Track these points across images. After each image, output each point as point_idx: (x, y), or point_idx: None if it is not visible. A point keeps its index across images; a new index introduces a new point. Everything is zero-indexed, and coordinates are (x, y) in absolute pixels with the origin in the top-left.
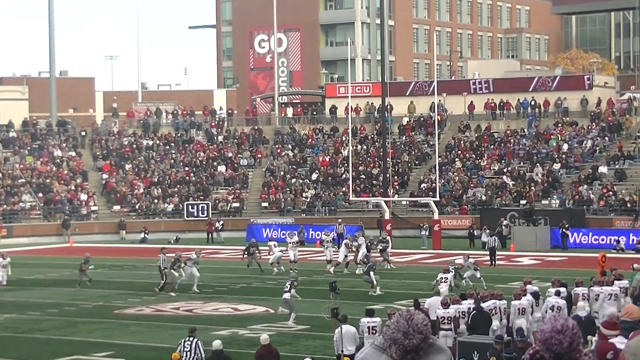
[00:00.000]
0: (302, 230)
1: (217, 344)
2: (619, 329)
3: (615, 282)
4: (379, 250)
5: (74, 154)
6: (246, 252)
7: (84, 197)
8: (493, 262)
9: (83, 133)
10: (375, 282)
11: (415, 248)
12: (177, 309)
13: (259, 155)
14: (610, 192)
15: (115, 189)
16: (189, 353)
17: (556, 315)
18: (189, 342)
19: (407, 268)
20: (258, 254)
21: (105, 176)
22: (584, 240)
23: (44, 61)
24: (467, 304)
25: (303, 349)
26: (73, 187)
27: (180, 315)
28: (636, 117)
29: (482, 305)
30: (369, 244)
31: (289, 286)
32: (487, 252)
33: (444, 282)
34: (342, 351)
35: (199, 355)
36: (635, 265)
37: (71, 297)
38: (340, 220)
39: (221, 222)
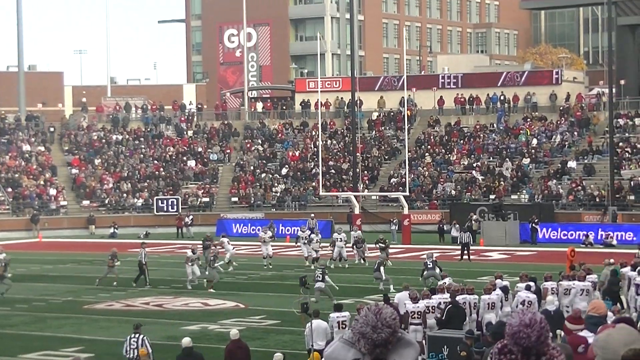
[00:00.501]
0: (272, 225)
1: (186, 341)
2: (583, 323)
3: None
4: (378, 248)
5: (43, 148)
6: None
7: (53, 192)
8: (466, 257)
9: (52, 128)
10: (384, 277)
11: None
12: (147, 303)
13: (229, 150)
14: (579, 187)
15: (85, 184)
16: (135, 350)
17: (524, 310)
18: (135, 339)
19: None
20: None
21: (74, 171)
22: (553, 235)
23: (13, 55)
24: (438, 299)
25: (273, 344)
26: (42, 182)
27: (150, 310)
28: (604, 112)
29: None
30: (357, 239)
31: (320, 275)
32: (459, 247)
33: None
34: (313, 346)
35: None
36: (606, 260)
37: (40, 292)
38: (312, 215)
39: (191, 216)
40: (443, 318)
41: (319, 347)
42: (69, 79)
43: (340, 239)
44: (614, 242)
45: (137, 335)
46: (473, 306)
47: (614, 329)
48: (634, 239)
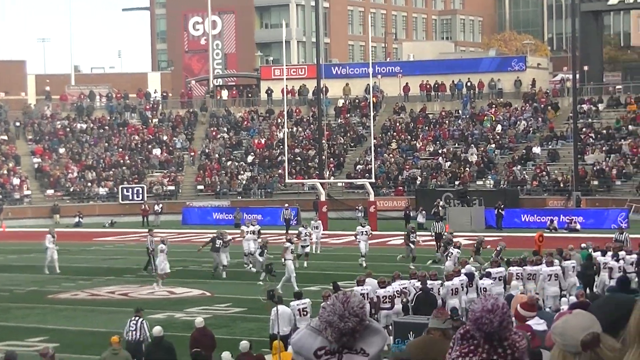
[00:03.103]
0: (238, 213)
1: (156, 330)
2: (536, 310)
3: (565, 262)
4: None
5: (5, 137)
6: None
7: (16, 181)
8: (438, 249)
9: (15, 117)
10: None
11: (351, 230)
12: (112, 293)
13: (194, 138)
14: (544, 173)
15: (49, 173)
16: (134, 332)
17: (487, 295)
18: (135, 322)
19: (343, 249)
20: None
21: (38, 160)
22: (518, 220)
23: None
24: (398, 284)
25: (239, 331)
26: (5, 172)
27: (116, 300)
28: (568, 97)
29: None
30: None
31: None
32: (425, 233)
33: (450, 256)
34: (279, 332)
35: (144, 335)
36: (583, 245)
37: (4, 282)
38: (287, 205)
39: (160, 205)
40: (412, 304)
41: (284, 333)
42: (32, 67)
43: (316, 226)
44: (578, 227)
45: (137, 319)
46: (437, 292)
47: (571, 314)
48: (606, 223)
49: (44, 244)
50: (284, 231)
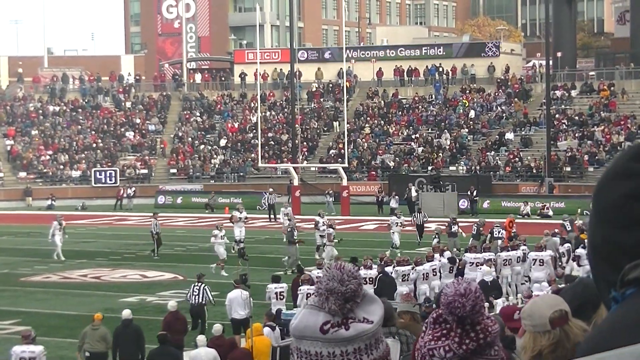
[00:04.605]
0: (212, 197)
1: (126, 313)
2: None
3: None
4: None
5: None
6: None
7: None
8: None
9: None
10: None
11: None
12: (84, 276)
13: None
14: (517, 159)
15: (21, 155)
16: (197, 297)
17: (459, 279)
18: (197, 287)
19: (315, 234)
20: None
21: (10, 142)
22: (490, 206)
23: None
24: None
25: (212, 315)
26: None
27: (88, 283)
28: (541, 84)
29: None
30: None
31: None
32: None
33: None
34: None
35: (207, 298)
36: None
37: None
38: (271, 190)
39: (133, 188)
40: (375, 287)
41: (240, 317)
42: (4, 49)
43: (287, 214)
44: (550, 212)
45: (199, 284)
46: (407, 277)
47: (538, 297)
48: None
49: (50, 230)
50: (266, 216)
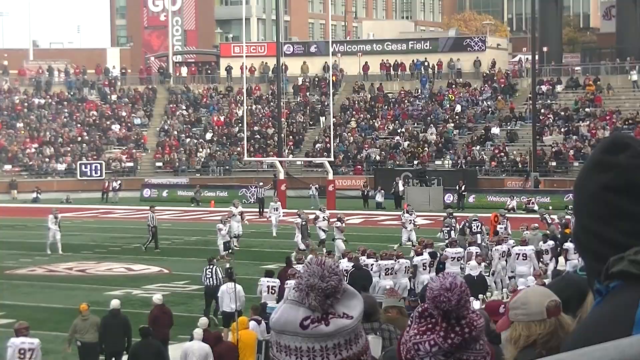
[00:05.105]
0: (198, 190)
1: (114, 303)
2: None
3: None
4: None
5: None
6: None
7: None
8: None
9: None
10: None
11: (310, 208)
12: (70, 269)
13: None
14: (502, 153)
15: (6, 148)
16: (210, 279)
17: (445, 274)
18: (210, 270)
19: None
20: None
21: None
22: (476, 201)
23: None
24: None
25: (197, 309)
26: None
27: (73, 276)
28: (527, 78)
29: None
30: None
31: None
32: (383, 213)
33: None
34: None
35: (220, 280)
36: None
37: None
38: (261, 183)
39: (119, 182)
40: (347, 280)
41: (231, 310)
42: None
43: (276, 208)
44: (536, 207)
45: (211, 267)
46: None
47: (528, 288)
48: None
49: (47, 223)
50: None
